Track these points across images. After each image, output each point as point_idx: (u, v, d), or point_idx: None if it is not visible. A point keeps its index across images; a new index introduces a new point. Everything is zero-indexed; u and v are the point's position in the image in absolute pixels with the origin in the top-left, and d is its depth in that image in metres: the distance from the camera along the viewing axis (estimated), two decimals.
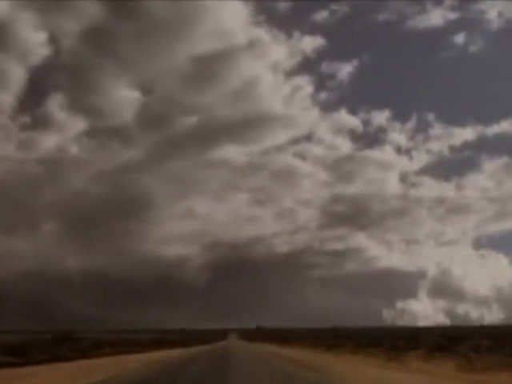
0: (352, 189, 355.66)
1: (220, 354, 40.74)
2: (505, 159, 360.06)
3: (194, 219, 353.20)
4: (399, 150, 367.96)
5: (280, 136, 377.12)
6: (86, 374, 19.80)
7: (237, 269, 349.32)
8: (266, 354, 40.38)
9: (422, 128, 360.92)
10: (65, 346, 40.83)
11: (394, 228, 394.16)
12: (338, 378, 17.70)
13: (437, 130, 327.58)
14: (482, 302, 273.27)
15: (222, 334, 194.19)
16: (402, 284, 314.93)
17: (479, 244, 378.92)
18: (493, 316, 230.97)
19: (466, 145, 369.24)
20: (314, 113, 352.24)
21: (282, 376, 18.11)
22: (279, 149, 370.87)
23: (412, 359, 30.91)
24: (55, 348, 39.08)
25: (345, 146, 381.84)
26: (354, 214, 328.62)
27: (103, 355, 40.01)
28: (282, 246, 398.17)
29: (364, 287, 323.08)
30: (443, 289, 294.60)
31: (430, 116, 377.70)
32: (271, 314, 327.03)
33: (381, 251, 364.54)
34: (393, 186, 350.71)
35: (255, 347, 64.67)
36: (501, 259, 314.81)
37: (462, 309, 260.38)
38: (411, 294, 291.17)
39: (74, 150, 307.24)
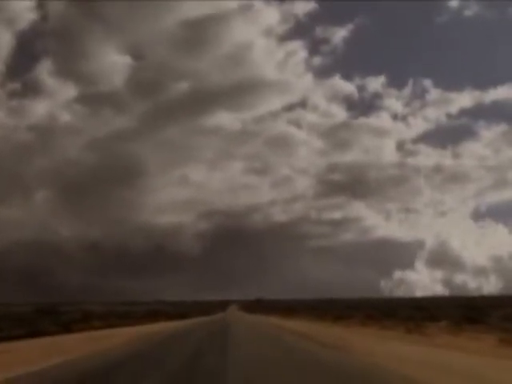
0: (348, 157, 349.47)
1: (219, 328, 37.03)
2: (502, 127, 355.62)
3: (188, 187, 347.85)
4: (395, 116, 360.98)
5: (274, 102, 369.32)
6: (48, 354, 15.77)
7: (233, 238, 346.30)
8: (271, 327, 36.61)
9: (419, 94, 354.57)
10: (48, 319, 37.03)
11: (392, 197, 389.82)
12: (367, 357, 13.71)
13: (433, 96, 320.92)
14: (480, 272, 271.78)
15: (221, 306, 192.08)
16: (399, 254, 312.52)
17: (478, 214, 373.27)
18: (491, 286, 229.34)
19: (463, 112, 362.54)
20: (308, 78, 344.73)
21: (300, 360, 14.06)
22: (273, 116, 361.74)
23: (435, 332, 27.05)
24: (36, 321, 35.32)
25: (340, 113, 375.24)
26: (351, 183, 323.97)
27: (89, 329, 36.21)
28: (279, 215, 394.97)
29: (361, 257, 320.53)
30: (441, 259, 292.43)
31: (427, 82, 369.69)
32: (269, 284, 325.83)
33: (378, 221, 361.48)
34: (390, 154, 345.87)
35: (257, 320, 61.11)
36: (500, 229, 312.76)
37: (460, 279, 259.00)
38: (409, 264, 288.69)
39: (65, 117, 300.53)
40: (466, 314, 31.81)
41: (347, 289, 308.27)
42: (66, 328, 34.15)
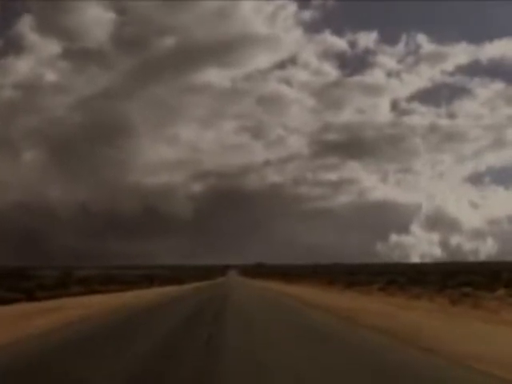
0: (342, 116, 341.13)
1: (217, 296, 30.93)
2: (499, 85, 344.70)
3: (179, 147, 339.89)
4: (389, 73, 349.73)
5: (263, 59, 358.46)
6: None
7: (228, 200, 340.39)
8: (284, 299, 30.38)
9: (412, 50, 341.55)
10: (8, 283, 30.76)
11: (388, 157, 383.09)
12: (477, 364, 7.23)
13: (427, 50, 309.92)
14: (477, 235, 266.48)
15: (221, 271, 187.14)
16: (395, 217, 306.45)
17: (477, 176, 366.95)
18: (487, 249, 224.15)
19: (459, 69, 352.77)
20: (298, 34, 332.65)
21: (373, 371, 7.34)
22: (264, 73, 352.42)
23: (494, 305, 20.65)
24: None
25: (332, 71, 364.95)
26: (346, 143, 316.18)
27: (61, 296, 29.88)
28: (274, 176, 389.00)
29: (357, 220, 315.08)
30: (438, 222, 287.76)
31: (420, 37, 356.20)
32: (268, 249, 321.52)
33: (375, 182, 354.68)
34: (384, 113, 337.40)
35: (263, 287, 54.88)
36: (500, 192, 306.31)
37: (456, 242, 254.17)
38: (405, 227, 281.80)
39: (50, 74, 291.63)
40: None
41: (344, 253, 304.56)
42: (30, 295, 27.92)
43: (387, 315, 14.19)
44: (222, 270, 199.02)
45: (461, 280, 33.72)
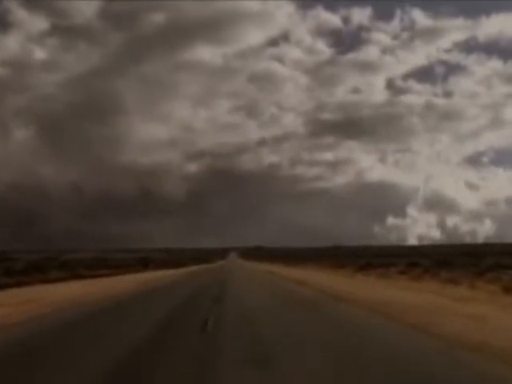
0: (337, 95, 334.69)
1: (217, 284, 26.68)
2: (495, 62, 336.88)
3: (172, 126, 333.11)
4: (384, 50, 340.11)
5: (255, 36, 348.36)
6: None
7: (223, 181, 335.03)
8: (298, 288, 25.94)
9: (408, 26, 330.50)
10: None
11: (386, 137, 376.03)
12: None
13: (423, 27, 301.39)
14: (474, 216, 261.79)
15: (220, 253, 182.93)
16: (393, 198, 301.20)
17: (476, 157, 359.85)
18: (484, 230, 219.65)
19: (455, 46, 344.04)
20: (290, 9, 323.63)
21: None
22: (255, 51, 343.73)
23: None
24: None
25: (325, 48, 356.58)
26: (342, 122, 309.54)
27: (28, 283, 25.33)
28: (270, 156, 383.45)
29: (354, 202, 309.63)
30: (436, 203, 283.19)
31: (416, 12, 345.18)
32: (266, 231, 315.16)
33: (373, 162, 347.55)
34: (380, 91, 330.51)
35: (267, 271, 50.49)
36: (500, 174, 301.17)
37: (453, 223, 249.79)
38: (402, 208, 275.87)
39: (39, 52, 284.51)
40: None
41: (344, 235, 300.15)
42: None
43: (461, 315, 9.55)
44: (222, 252, 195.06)
45: (493, 262, 29.32)
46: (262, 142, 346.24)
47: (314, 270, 49.88)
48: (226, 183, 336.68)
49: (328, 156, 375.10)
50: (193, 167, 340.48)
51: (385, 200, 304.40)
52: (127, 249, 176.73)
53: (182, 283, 27.10)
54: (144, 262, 67.79)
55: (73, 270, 39.09)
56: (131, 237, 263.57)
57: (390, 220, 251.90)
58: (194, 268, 65.73)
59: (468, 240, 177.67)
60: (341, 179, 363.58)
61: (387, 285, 22.05)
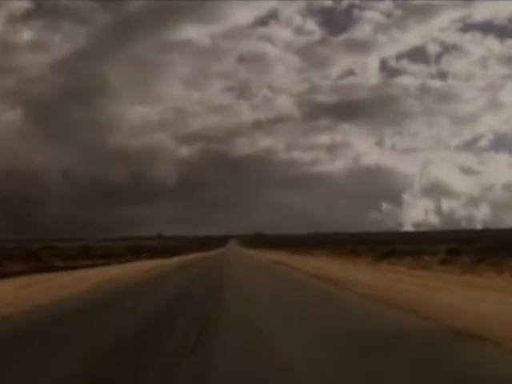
0: (330, 76, 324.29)
1: (215, 278, 20.73)
2: (492, 42, 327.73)
3: (162, 108, 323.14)
4: (377, 30, 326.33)
5: (243, 15, 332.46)
6: None
7: (218, 165, 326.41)
8: (313, 280, 19.89)
9: (401, 4, 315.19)
10: None
11: (382, 119, 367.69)
12: None
13: (417, 5, 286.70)
14: (472, 201, 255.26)
15: (220, 241, 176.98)
16: (390, 184, 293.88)
17: (476, 144, 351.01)
18: (481, 215, 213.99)
19: (451, 25, 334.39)
20: None
21: None
22: (244, 30, 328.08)
23: None
24: None
25: (316, 28, 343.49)
26: (337, 105, 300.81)
27: None
28: (265, 140, 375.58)
29: (351, 187, 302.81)
30: (433, 188, 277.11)
31: None
32: (260, 217, 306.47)
33: (370, 145, 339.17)
34: (374, 72, 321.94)
35: (272, 259, 44.24)
36: (500, 159, 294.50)
37: (450, 207, 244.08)
38: (399, 194, 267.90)
39: (23, 32, 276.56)
40: None
41: (342, 222, 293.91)
42: None
43: None
44: (220, 240, 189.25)
45: None
46: (256, 125, 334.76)
47: (326, 258, 44.21)
48: (220, 167, 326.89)
49: (324, 139, 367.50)
50: (185, 151, 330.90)
51: (381, 185, 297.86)
52: (121, 237, 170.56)
53: (174, 282, 21.23)
54: (135, 250, 61.93)
55: (43, 261, 33.05)
56: (122, 224, 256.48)
57: (387, 206, 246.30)
58: (190, 257, 60.00)
59: (464, 225, 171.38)
60: (337, 163, 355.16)
61: (452, 281, 16.06)
